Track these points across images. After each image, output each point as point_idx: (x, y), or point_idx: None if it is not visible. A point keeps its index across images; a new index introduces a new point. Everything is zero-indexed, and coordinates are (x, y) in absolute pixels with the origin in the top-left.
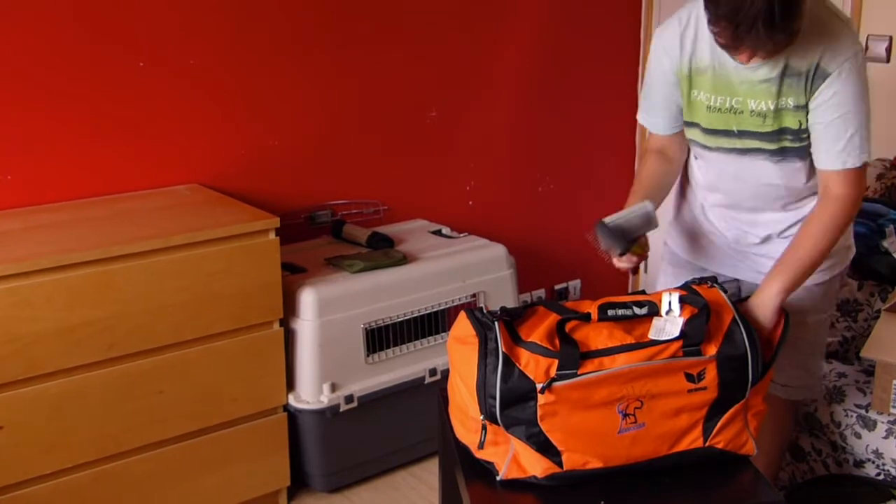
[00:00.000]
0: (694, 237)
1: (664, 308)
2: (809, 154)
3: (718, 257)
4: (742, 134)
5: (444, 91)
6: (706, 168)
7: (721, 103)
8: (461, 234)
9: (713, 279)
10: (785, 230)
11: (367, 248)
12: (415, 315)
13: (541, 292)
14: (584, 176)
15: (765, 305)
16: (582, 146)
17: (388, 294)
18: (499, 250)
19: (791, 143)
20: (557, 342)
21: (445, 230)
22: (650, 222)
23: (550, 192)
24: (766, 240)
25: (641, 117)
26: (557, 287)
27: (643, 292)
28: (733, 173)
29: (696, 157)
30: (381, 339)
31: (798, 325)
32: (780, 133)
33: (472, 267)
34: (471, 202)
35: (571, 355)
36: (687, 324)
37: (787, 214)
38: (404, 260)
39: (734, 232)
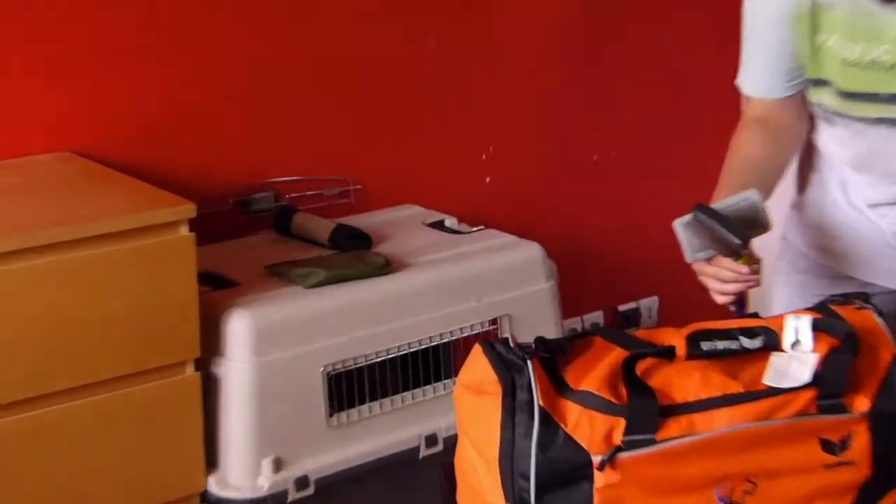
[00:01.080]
0: (830, 230)
1: (788, 339)
2: None
3: (870, 260)
4: (893, 99)
5: (446, 7)
6: (847, 139)
7: (861, 55)
8: (474, 228)
9: (863, 296)
10: None
11: (331, 250)
12: (403, 353)
13: (597, 316)
14: (665, 140)
15: None
16: (663, 95)
17: (364, 320)
18: (532, 252)
19: None
20: (624, 391)
21: (450, 221)
22: (759, 219)
23: (612, 163)
24: None
25: (740, 78)
26: (623, 308)
27: (755, 315)
28: (888, 152)
29: (827, 123)
30: (351, 389)
31: None
32: None
33: (492, 277)
34: (489, 178)
35: (646, 411)
36: (824, 363)
37: None
38: (387, 268)
39: (891, 226)
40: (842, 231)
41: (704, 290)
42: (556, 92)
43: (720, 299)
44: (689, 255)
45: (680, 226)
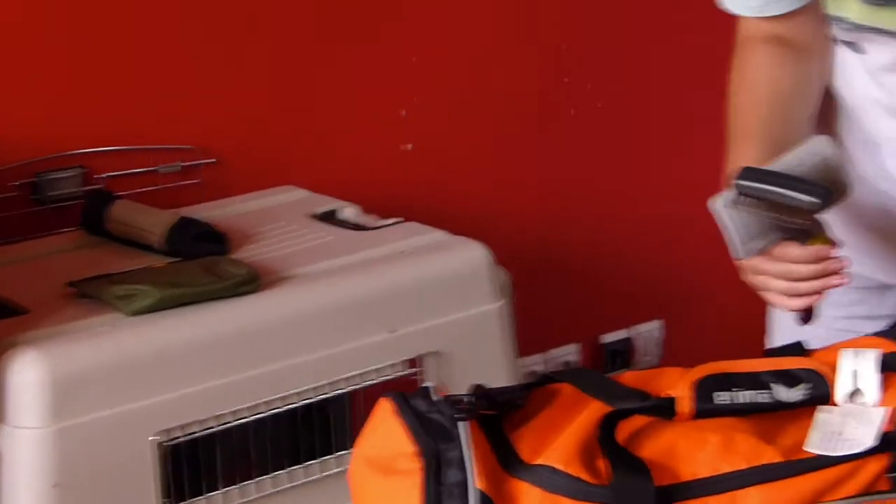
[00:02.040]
0: (857, 217)
1: (843, 387)
2: None
3: None
4: None
5: None
6: (881, 71)
7: None
8: (386, 221)
9: None
10: None
11: (168, 257)
12: (276, 411)
13: (570, 351)
14: (671, 90)
15: None
16: (665, 27)
17: (216, 365)
18: (473, 256)
19: None
20: (602, 465)
21: (349, 211)
22: (835, 179)
23: (597, 119)
24: None
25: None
26: (608, 339)
27: (800, 349)
28: None
29: (852, 50)
30: (197, 468)
31: None
32: None
33: (412, 296)
34: (409, 145)
35: (637, 495)
36: None
37: None
38: (252, 283)
39: None
40: (874, 218)
41: (723, 312)
42: (514, 5)
43: (792, 304)
44: (739, 248)
45: (723, 207)
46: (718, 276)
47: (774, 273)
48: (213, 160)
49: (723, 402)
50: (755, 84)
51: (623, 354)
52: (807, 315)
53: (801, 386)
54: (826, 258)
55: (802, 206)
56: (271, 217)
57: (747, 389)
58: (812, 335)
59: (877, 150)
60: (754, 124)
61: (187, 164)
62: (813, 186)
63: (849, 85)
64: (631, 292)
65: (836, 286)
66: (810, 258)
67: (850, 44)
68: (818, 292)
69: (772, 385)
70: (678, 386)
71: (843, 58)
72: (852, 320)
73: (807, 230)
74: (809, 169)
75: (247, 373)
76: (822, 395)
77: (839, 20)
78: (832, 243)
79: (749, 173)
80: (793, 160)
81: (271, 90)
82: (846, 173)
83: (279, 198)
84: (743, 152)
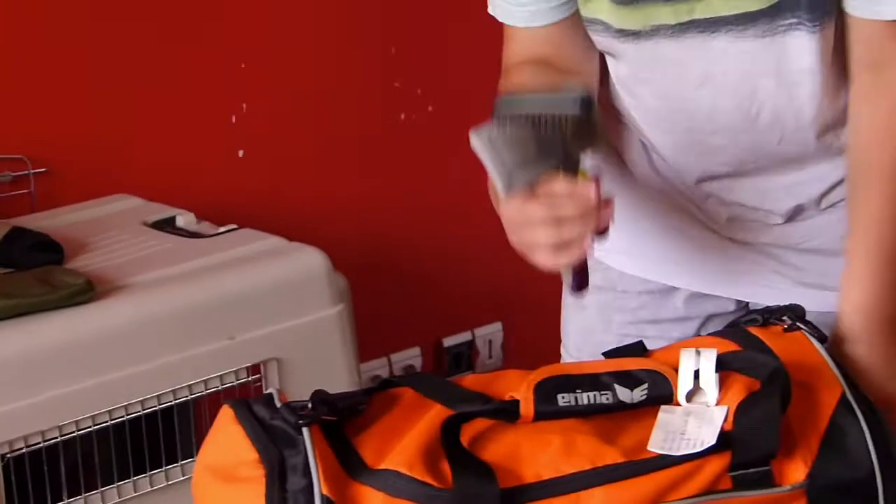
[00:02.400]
0: (634, 220)
1: (683, 387)
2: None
3: (697, 259)
4: None
5: None
6: (631, 78)
7: None
8: (221, 228)
9: (794, 310)
10: (831, 189)
11: (1, 267)
12: (118, 421)
13: (412, 355)
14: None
15: (872, 346)
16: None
17: (54, 374)
18: (311, 261)
19: None
20: (446, 468)
21: (184, 219)
22: (588, 123)
23: (429, 123)
24: (795, 215)
25: (496, 8)
26: (450, 342)
27: (640, 348)
28: (700, 78)
29: (612, 58)
30: (40, 479)
31: None
32: None
33: (251, 302)
34: (241, 151)
35: (481, 496)
36: (737, 417)
37: (832, 161)
38: (88, 293)
39: (724, 209)
40: (653, 221)
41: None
42: (343, 9)
43: (561, 259)
44: (503, 183)
45: (481, 139)
46: (557, 277)
47: (540, 217)
48: (44, 170)
49: (566, 405)
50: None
51: (465, 357)
52: (580, 279)
53: (643, 386)
54: (591, 194)
55: (565, 112)
56: (105, 226)
57: (589, 391)
58: (602, 343)
59: (646, 154)
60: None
61: (17, 174)
62: (571, 93)
63: (614, 94)
64: (470, 295)
65: (604, 229)
66: (575, 192)
67: (607, 49)
68: (585, 239)
69: (614, 386)
70: (520, 388)
71: (610, 68)
72: (638, 325)
73: (570, 168)
74: (563, 108)
75: (86, 383)
76: (663, 394)
77: (592, 23)
78: (596, 180)
79: (508, 102)
80: (548, 97)
81: (100, 98)
82: (598, 117)
83: (113, 206)
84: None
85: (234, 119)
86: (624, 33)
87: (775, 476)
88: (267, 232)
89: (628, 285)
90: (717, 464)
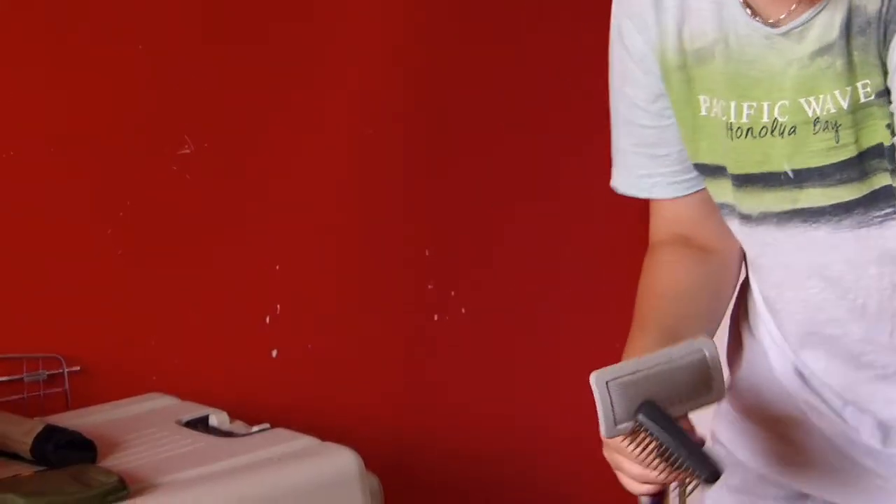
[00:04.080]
0: (772, 424)
1: None
2: None
3: (836, 472)
4: (800, 176)
5: (212, 104)
6: (755, 267)
7: (752, 116)
8: (254, 428)
9: None
10: None
11: (34, 466)
12: None
13: None
14: (536, 297)
15: None
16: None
17: None
18: (343, 462)
19: (886, 178)
20: None
21: (217, 418)
22: (709, 383)
23: (461, 322)
24: None
25: (617, 178)
26: None
27: None
28: (808, 269)
29: (742, 241)
30: None
31: None
32: (864, 158)
33: (283, 501)
34: (275, 351)
35: None
36: None
37: None
38: (122, 491)
39: (863, 417)
40: (789, 425)
41: None
42: (376, 212)
43: (639, 489)
44: (607, 428)
45: (601, 384)
46: (584, 478)
47: (631, 456)
48: (78, 368)
49: None
50: (655, 282)
51: None
52: (657, 502)
53: None
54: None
55: (681, 366)
56: (139, 424)
57: None
58: None
59: (786, 348)
60: (650, 317)
61: (52, 372)
62: (690, 348)
63: (752, 282)
64: (498, 500)
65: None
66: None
67: (737, 231)
68: (668, 484)
69: None
70: None
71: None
72: None
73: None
74: (686, 364)
75: None
76: None
77: (721, 206)
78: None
79: (599, 379)
80: (673, 352)
81: (134, 298)
82: (721, 376)
83: (146, 405)
84: (637, 340)
85: (267, 319)
86: (743, 217)
87: None
88: (299, 431)
89: (766, 490)
90: None
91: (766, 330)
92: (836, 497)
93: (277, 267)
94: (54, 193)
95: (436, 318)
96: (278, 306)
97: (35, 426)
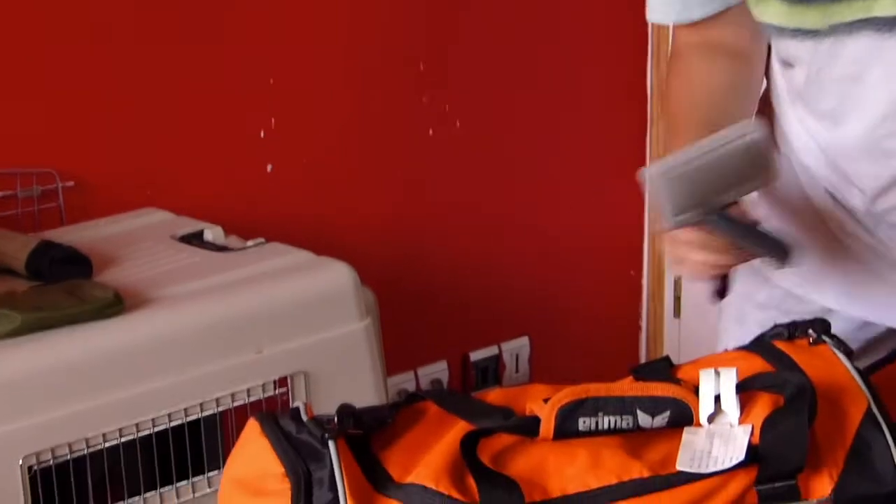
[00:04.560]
0: (805, 241)
1: (705, 407)
2: None
3: (865, 285)
4: None
5: None
6: (815, 81)
7: None
8: (249, 242)
9: (820, 324)
10: None
11: (30, 280)
12: (146, 433)
13: (439, 368)
14: (528, 108)
15: None
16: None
17: (84, 387)
18: (338, 276)
19: None
20: (472, 483)
21: (212, 233)
22: (760, 167)
23: (456, 139)
24: None
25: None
26: (477, 356)
27: (667, 363)
28: (880, 78)
29: (785, 66)
30: (68, 490)
31: None
32: None
33: (278, 316)
34: (270, 166)
35: None
36: (764, 432)
37: None
38: (117, 305)
39: (877, 226)
40: (817, 241)
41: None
42: (370, 26)
43: (707, 274)
44: (669, 220)
45: (659, 177)
46: (583, 290)
47: (697, 242)
48: (72, 183)
49: (585, 428)
50: (688, 89)
51: (492, 371)
52: (721, 289)
53: (664, 414)
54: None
55: (736, 148)
56: (134, 239)
57: (611, 415)
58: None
59: (820, 169)
60: (694, 116)
61: (46, 187)
62: (742, 130)
63: (779, 93)
64: (497, 309)
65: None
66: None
67: (778, 54)
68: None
69: (636, 410)
70: (544, 409)
71: (779, 72)
72: None
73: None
74: (738, 148)
75: (114, 395)
76: (683, 419)
77: (765, 27)
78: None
79: (655, 172)
80: (723, 137)
81: (130, 112)
82: (773, 158)
83: (141, 220)
84: (682, 135)
85: (262, 134)
86: (801, 32)
87: (801, 490)
88: (295, 246)
89: (792, 306)
90: (744, 478)
91: (801, 145)
92: (861, 311)
93: (272, 80)
94: (47, 4)
95: (431, 132)
96: (273, 120)
97: (30, 242)
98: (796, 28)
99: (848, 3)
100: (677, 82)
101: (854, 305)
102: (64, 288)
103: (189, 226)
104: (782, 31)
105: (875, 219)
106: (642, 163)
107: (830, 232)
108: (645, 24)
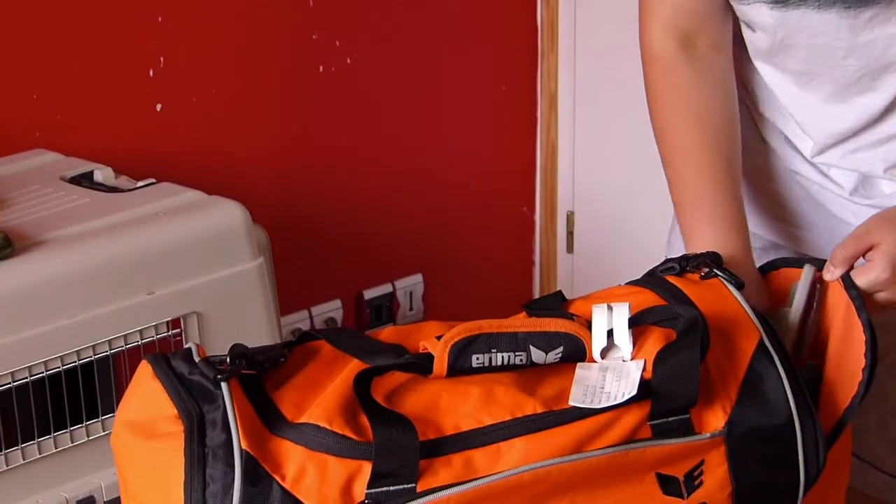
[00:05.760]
0: (761, 186)
1: (598, 342)
2: None
3: (824, 224)
4: None
5: None
6: (781, 47)
7: None
8: (140, 183)
9: (711, 257)
10: None
11: None
12: (38, 376)
13: (333, 307)
14: (425, 42)
15: None
16: None
17: None
18: (230, 214)
19: None
20: (365, 421)
21: (102, 174)
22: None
23: (347, 76)
24: None
25: None
26: (371, 294)
27: (559, 298)
28: (846, 49)
29: (747, 28)
30: None
31: None
32: None
33: (170, 256)
34: (160, 105)
35: (401, 449)
36: (656, 367)
37: None
38: (7, 248)
39: (847, 175)
40: (768, 180)
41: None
42: None
43: None
44: None
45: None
46: (476, 227)
47: None
48: None
49: (479, 365)
50: (685, 108)
51: (387, 309)
52: None
53: (557, 350)
54: None
55: None
56: (22, 181)
57: (504, 352)
58: None
59: (785, 128)
60: (703, 147)
61: None
62: None
63: (748, 70)
64: (391, 247)
65: None
66: None
67: (748, 24)
68: None
69: (529, 347)
70: (437, 347)
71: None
72: None
73: None
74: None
75: (4, 339)
76: (577, 354)
77: None
78: None
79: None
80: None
81: (14, 51)
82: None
83: (29, 162)
84: (716, 196)
85: (151, 73)
86: (773, 2)
87: (695, 424)
88: (186, 186)
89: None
90: (637, 413)
91: (763, 96)
92: (805, 247)
93: (160, 18)
94: None
95: (321, 69)
96: (162, 59)
97: None
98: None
99: None
100: (667, 95)
101: (799, 240)
102: None
103: (79, 167)
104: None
105: (831, 166)
106: (533, 100)
107: (785, 173)
108: None
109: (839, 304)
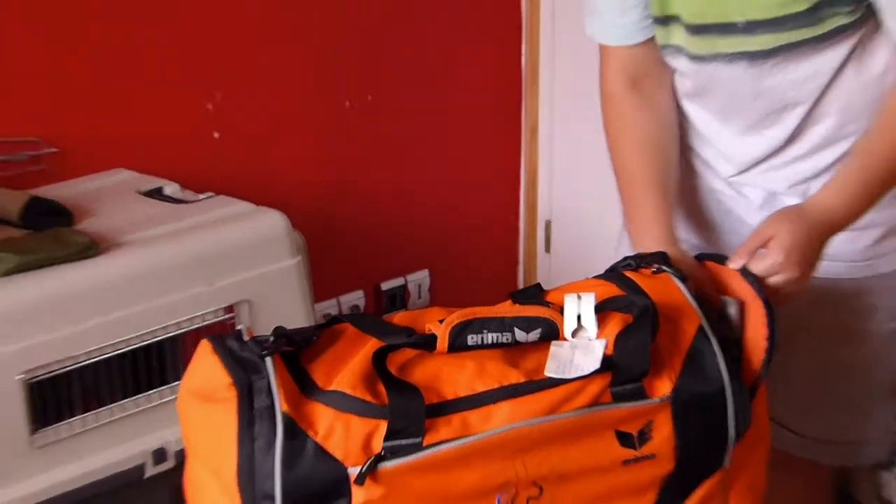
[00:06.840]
0: (689, 206)
1: (569, 326)
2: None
3: (740, 234)
4: (752, 26)
5: None
6: (700, 92)
7: None
8: (200, 196)
9: (661, 256)
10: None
11: (22, 229)
12: (120, 351)
13: (357, 297)
14: (432, 81)
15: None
16: (429, 27)
17: (68, 315)
18: (273, 222)
19: (843, 18)
20: (382, 388)
21: (170, 188)
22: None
23: (368, 110)
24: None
25: (589, 25)
26: (387, 286)
27: (538, 289)
28: (753, 93)
29: (677, 73)
30: (59, 399)
31: (851, 336)
32: (820, 7)
33: (225, 255)
34: (217, 133)
35: (410, 411)
36: (616, 345)
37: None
38: (92, 249)
39: (757, 191)
40: (702, 205)
41: (491, 262)
42: (298, 17)
43: None
44: None
45: None
46: (473, 232)
47: None
48: (55, 150)
49: (473, 343)
50: (630, 133)
51: (399, 298)
52: None
53: (537, 330)
54: None
55: None
56: (106, 195)
57: (493, 332)
58: None
59: (703, 151)
60: (643, 173)
61: (32, 153)
62: None
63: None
64: (403, 247)
65: None
66: None
67: (676, 67)
68: None
69: (514, 328)
70: (439, 328)
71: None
72: None
73: None
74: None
75: (93, 322)
76: (552, 334)
77: (668, 47)
78: None
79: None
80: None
81: (102, 89)
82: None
83: (111, 179)
84: (645, 200)
85: (210, 107)
86: (693, 56)
87: (647, 390)
88: (238, 198)
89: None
90: (600, 382)
91: (698, 142)
92: (723, 248)
93: (217, 64)
94: None
95: (347, 104)
96: (218, 94)
97: (22, 197)
98: (691, 53)
99: (727, 40)
100: (616, 124)
101: (699, 235)
102: (50, 235)
103: (151, 183)
104: (680, 51)
105: (740, 184)
106: (518, 132)
107: (705, 189)
108: None
109: (746, 293)
